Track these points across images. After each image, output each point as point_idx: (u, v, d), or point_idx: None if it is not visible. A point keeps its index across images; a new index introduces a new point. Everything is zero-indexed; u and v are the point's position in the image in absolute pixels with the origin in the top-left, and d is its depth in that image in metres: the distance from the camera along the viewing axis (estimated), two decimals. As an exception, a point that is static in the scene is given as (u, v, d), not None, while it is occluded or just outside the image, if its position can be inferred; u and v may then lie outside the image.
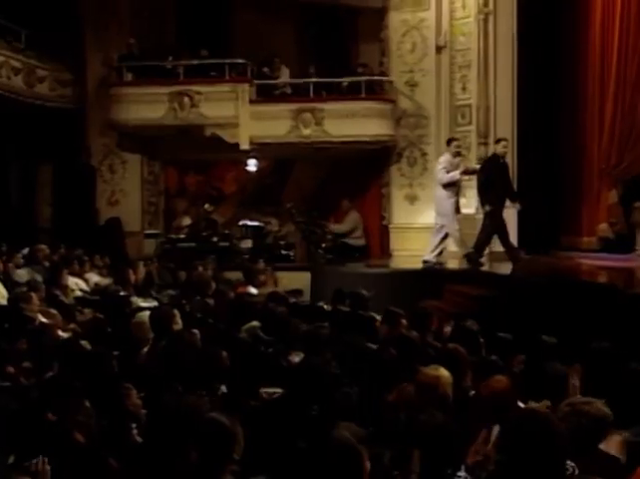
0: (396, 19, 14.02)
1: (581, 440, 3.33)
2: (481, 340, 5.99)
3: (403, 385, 4.04)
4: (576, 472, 3.24)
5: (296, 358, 5.64)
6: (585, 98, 12.97)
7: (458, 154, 10.95)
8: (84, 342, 5.68)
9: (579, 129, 13.11)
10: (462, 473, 3.08)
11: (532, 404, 4.01)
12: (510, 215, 12.60)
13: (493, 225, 10.49)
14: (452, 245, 12.52)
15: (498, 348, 5.63)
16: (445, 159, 10.94)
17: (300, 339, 5.84)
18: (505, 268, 10.99)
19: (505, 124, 12.76)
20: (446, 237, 11.03)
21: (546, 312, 7.69)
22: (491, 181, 10.35)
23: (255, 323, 6.44)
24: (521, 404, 4.40)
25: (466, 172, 10.92)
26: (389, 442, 3.26)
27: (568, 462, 3.25)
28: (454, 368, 4.71)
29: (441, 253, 11.14)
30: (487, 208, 10.33)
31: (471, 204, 12.89)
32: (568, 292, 8.31)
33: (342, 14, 15.01)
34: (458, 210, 10.96)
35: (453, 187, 10.75)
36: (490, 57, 12.85)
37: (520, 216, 12.59)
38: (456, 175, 10.61)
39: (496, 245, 12.49)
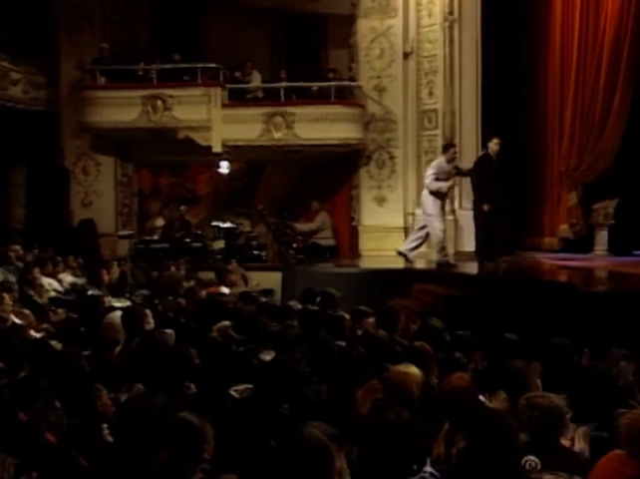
0: (364, 26, 14.05)
1: (539, 433, 3.34)
2: (447, 338, 6.01)
3: (370, 383, 3.99)
4: (539, 467, 3.26)
5: (267, 357, 5.61)
6: (546, 103, 13.08)
7: (453, 159, 10.71)
8: (54, 342, 5.57)
9: (540, 133, 13.23)
10: (427, 468, 3.06)
11: (489, 398, 4.01)
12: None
13: (491, 223, 10.39)
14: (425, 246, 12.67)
15: (462, 346, 5.62)
16: (437, 164, 10.79)
17: (271, 338, 5.80)
18: (471, 268, 11.04)
19: (470, 128, 12.84)
20: (426, 236, 10.97)
21: (510, 311, 7.72)
22: (486, 180, 10.26)
23: (226, 323, 6.37)
24: (483, 399, 4.42)
25: (459, 172, 10.84)
26: (356, 440, 3.22)
27: (532, 457, 3.27)
28: (420, 365, 4.71)
29: (415, 249, 11.07)
30: (486, 207, 10.18)
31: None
32: (531, 291, 8.36)
33: (312, 21, 15.00)
34: (443, 211, 10.88)
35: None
36: (456, 63, 12.93)
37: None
38: (443, 187, 10.49)
39: (464, 246, 12.61)
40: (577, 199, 13.04)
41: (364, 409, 3.79)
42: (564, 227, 13.11)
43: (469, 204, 12.77)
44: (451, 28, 12.93)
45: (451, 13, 12.92)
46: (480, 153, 11.05)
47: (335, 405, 3.82)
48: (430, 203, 10.66)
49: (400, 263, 12.55)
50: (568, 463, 3.24)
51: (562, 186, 13.14)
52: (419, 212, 11.38)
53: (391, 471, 2.97)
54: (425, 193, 10.83)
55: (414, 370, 4.03)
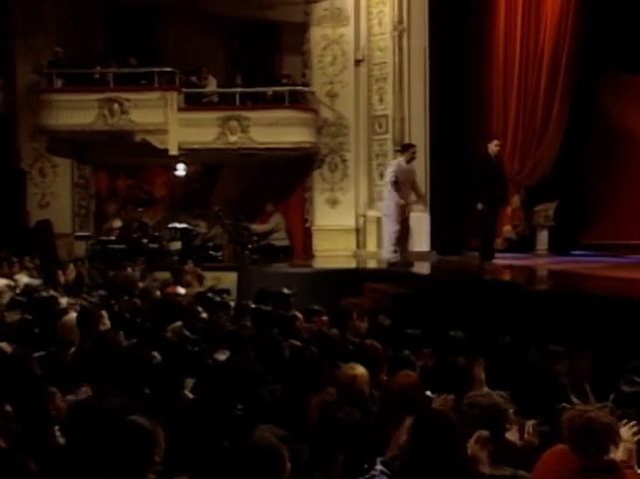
0: (317, 34, 14.01)
1: (485, 428, 3.31)
2: (396, 336, 5.97)
3: (325, 390, 3.88)
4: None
5: (222, 356, 5.50)
6: (490, 110, 13.19)
7: (412, 160, 10.56)
8: (3, 344, 5.36)
9: (485, 138, 13.26)
10: (378, 466, 3.00)
11: (437, 398, 3.96)
12: (422, 218, 12.77)
13: (488, 222, 10.45)
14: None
15: (411, 343, 5.58)
16: (396, 163, 10.72)
17: (225, 338, 5.70)
18: (421, 268, 11.06)
19: (419, 133, 12.88)
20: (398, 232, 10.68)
21: (456, 309, 7.73)
22: (486, 180, 10.17)
23: (180, 323, 6.25)
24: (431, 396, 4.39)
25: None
26: (309, 441, 3.15)
27: (478, 453, 3.23)
28: (371, 364, 4.66)
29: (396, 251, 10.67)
30: (480, 206, 10.08)
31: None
32: (477, 290, 8.39)
33: (266, 28, 14.90)
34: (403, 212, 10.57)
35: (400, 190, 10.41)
36: (405, 70, 12.95)
37: (432, 219, 12.76)
38: (400, 201, 10.31)
39: (413, 246, 12.63)
40: (520, 201, 13.20)
41: (316, 410, 3.70)
42: (508, 228, 13.24)
43: (419, 204, 12.85)
44: (400, 37, 12.95)
45: (400, 22, 12.94)
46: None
47: (289, 405, 3.73)
48: (387, 203, 10.61)
49: (352, 263, 12.60)
50: (514, 458, 3.22)
51: (506, 189, 13.24)
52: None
53: (342, 470, 2.91)
54: (385, 193, 10.72)
55: (361, 370, 3.96)
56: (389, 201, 10.49)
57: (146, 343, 5.38)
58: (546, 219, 12.52)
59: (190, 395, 4.43)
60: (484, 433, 3.08)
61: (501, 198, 10.73)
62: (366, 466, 2.94)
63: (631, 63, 12.16)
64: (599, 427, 2.87)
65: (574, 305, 6.75)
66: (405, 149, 10.91)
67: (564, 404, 3.85)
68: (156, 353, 4.95)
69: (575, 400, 3.94)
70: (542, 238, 12.58)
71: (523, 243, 12.87)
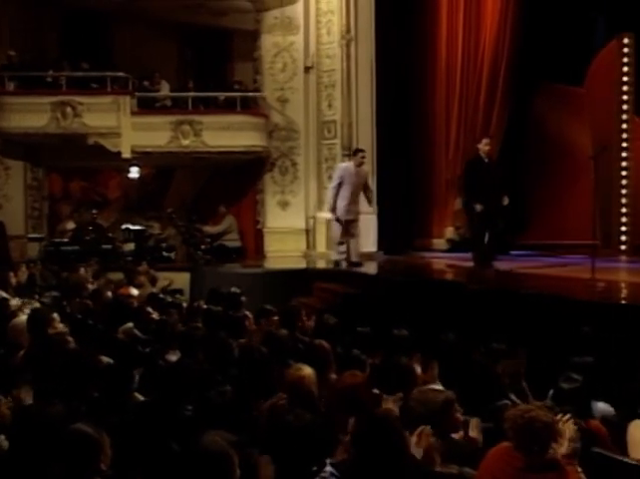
0: (268, 41, 13.88)
1: (431, 426, 3.24)
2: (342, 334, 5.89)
3: (277, 396, 3.75)
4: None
5: (173, 357, 5.34)
6: (434, 117, 13.26)
7: (361, 164, 10.42)
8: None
9: (429, 143, 13.39)
10: (328, 468, 2.90)
11: (386, 398, 3.88)
12: (370, 220, 12.75)
13: (481, 224, 9.77)
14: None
15: (359, 342, 5.50)
16: (344, 166, 10.64)
17: (176, 339, 5.53)
18: (368, 268, 11.03)
19: (366, 138, 12.84)
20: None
21: (403, 308, 7.70)
22: (479, 181, 9.57)
23: (131, 324, 6.05)
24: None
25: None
26: (258, 444, 3.03)
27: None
28: (319, 363, 4.56)
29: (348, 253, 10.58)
30: (479, 207, 9.47)
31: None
32: (422, 289, 8.38)
33: (218, 35, 14.71)
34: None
35: (345, 194, 10.29)
36: (353, 78, 12.90)
37: (379, 220, 12.76)
38: (344, 203, 10.20)
39: (362, 246, 12.61)
40: (462, 204, 13.26)
41: (266, 413, 3.57)
42: (450, 229, 13.33)
43: (366, 207, 12.84)
44: (348, 45, 12.90)
45: (348, 32, 12.89)
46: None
47: (238, 407, 3.60)
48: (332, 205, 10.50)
49: (302, 264, 12.51)
50: (460, 455, 3.15)
51: (449, 192, 13.33)
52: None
53: (291, 473, 2.80)
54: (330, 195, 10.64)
55: (308, 371, 3.84)
56: (333, 203, 10.42)
57: (96, 345, 5.20)
58: (487, 220, 12.58)
59: (140, 397, 4.27)
60: (427, 428, 3.01)
61: (493, 199, 9.56)
62: (315, 468, 2.83)
63: (563, 74, 12.37)
64: (540, 426, 2.83)
65: (514, 304, 6.77)
66: (354, 153, 10.85)
67: (505, 401, 3.82)
68: (103, 356, 4.76)
69: (514, 398, 3.90)
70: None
71: (465, 244, 12.92)
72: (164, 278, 11.49)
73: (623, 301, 7.18)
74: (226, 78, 14.58)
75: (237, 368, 4.62)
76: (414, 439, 2.97)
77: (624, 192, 12.09)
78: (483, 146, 9.66)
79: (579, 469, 2.90)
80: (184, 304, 7.80)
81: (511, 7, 12.55)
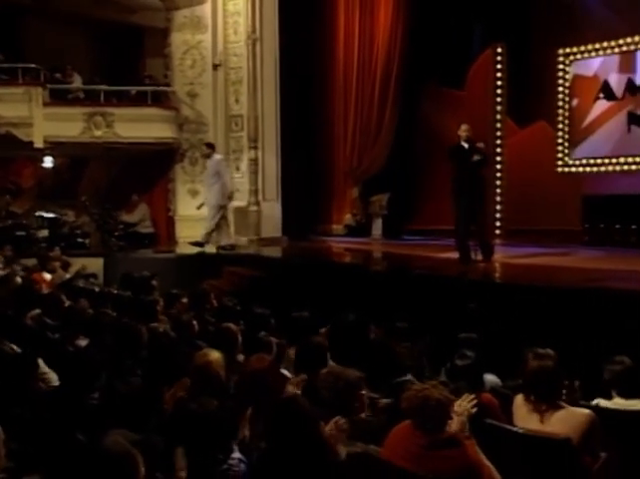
0: (178, 39, 13.27)
1: (335, 407, 3.03)
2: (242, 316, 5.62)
3: (181, 381, 3.40)
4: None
5: (83, 343, 4.90)
6: (333, 113, 13.17)
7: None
8: None
9: (329, 137, 13.29)
10: (235, 454, 2.63)
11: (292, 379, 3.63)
12: (274, 207, 12.54)
13: (459, 216, 8.42)
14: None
15: (261, 324, 5.23)
16: (219, 159, 11.02)
17: (85, 324, 5.08)
18: (273, 252, 10.79)
19: (271, 131, 12.60)
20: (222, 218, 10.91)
21: (306, 289, 7.49)
22: (457, 169, 8.49)
23: (39, 311, 5.54)
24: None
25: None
26: (163, 433, 2.71)
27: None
28: (226, 346, 4.27)
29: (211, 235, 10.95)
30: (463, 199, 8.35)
31: (243, 197, 12.65)
32: (323, 271, 8.21)
33: (131, 31, 13.95)
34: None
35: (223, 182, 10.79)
36: (258, 75, 12.55)
37: (283, 207, 12.55)
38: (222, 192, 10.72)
39: (266, 232, 12.38)
40: (358, 193, 13.30)
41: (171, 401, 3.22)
42: (348, 216, 13.34)
43: (271, 195, 12.62)
44: (253, 45, 12.52)
45: (253, 32, 12.51)
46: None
47: (145, 395, 3.24)
48: (209, 195, 10.91)
49: (212, 249, 12.12)
50: (365, 433, 2.95)
51: (346, 182, 13.32)
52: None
53: (198, 462, 2.51)
54: (210, 185, 10.93)
55: (215, 355, 3.53)
56: (214, 192, 10.76)
57: (4, 331, 4.70)
58: (380, 208, 12.66)
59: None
60: (342, 421, 2.80)
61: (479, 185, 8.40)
62: (221, 456, 2.55)
63: (447, 77, 12.57)
64: (433, 404, 2.67)
65: (407, 284, 6.70)
66: (214, 147, 11.29)
67: (404, 378, 3.67)
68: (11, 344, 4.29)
69: (411, 377, 3.73)
70: (377, 224, 12.72)
71: (361, 229, 12.96)
72: (77, 265, 10.84)
73: (500, 281, 7.27)
74: (138, 73, 13.87)
75: (146, 352, 4.27)
76: (327, 428, 2.73)
77: (498, 183, 12.40)
78: (462, 132, 8.52)
79: (474, 442, 2.77)
80: (97, 289, 7.28)
81: (402, 15, 12.63)
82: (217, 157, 11.21)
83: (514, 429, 3.12)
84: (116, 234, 13.05)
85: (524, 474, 2.95)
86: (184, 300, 6.38)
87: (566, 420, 3.06)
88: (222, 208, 10.94)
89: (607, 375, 3.56)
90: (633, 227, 11.34)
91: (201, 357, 3.46)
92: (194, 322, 5.07)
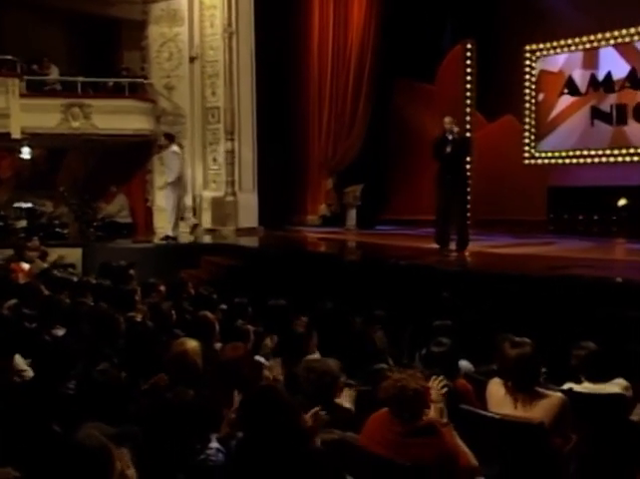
0: (155, 32, 12.98)
1: (314, 395, 2.94)
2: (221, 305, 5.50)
3: (158, 376, 3.26)
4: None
5: (60, 332, 4.74)
6: (307, 106, 13.02)
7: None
8: None
9: (304, 129, 13.15)
10: (213, 444, 2.52)
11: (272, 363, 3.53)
12: (251, 197, 12.38)
13: (439, 206, 8.24)
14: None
15: (238, 312, 5.11)
16: (176, 150, 11.05)
17: (62, 314, 4.91)
18: (250, 241, 10.65)
19: (247, 123, 12.40)
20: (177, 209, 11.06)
21: (282, 277, 7.38)
22: (440, 161, 8.13)
23: (15, 300, 5.35)
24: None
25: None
26: (141, 424, 2.59)
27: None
28: (204, 334, 4.16)
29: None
30: (448, 178, 8.07)
31: (220, 187, 12.50)
32: (299, 261, 8.10)
33: (108, 24, 13.59)
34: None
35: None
36: (234, 68, 12.31)
37: (260, 198, 12.40)
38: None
39: (243, 222, 12.23)
40: (332, 184, 13.19)
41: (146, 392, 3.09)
42: (323, 206, 13.23)
43: (248, 186, 12.47)
44: (230, 38, 12.27)
45: (229, 26, 12.26)
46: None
47: (122, 384, 3.11)
48: (172, 187, 10.92)
49: (190, 239, 11.95)
50: (342, 420, 2.87)
51: (321, 173, 13.20)
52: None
53: (174, 453, 2.40)
54: (171, 179, 10.98)
55: (192, 344, 3.39)
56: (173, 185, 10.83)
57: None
58: (354, 199, 12.57)
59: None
60: (321, 412, 2.71)
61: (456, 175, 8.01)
62: (199, 446, 2.44)
63: (419, 72, 12.48)
64: (410, 394, 2.60)
65: (382, 273, 6.63)
66: (173, 138, 11.29)
67: (382, 365, 3.59)
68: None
69: (391, 362, 3.67)
70: (351, 214, 12.64)
71: (336, 219, 12.87)
72: (56, 255, 10.59)
73: (473, 270, 7.24)
74: (115, 65, 13.53)
75: (124, 341, 4.13)
76: (306, 418, 2.64)
77: (468, 174, 12.36)
78: (446, 123, 8.24)
79: (452, 428, 2.71)
80: (75, 279, 7.08)
81: (375, 10, 12.51)
82: (173, 148, 11.14)
83: (489, 415, 3.06)
84: (94, 224, 12.77)
85: (499, 459, 2.90)
86: (162, 288, 6.24)
87: (540, 405, 3.02)
88: (178, 198, 11.05)
89: (574, 360, 3.54)
90: (595, 217, 11.47)
91: (178, 346, 3.34)
92: (172, 311, 4.94)
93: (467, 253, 8.11)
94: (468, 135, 8.12)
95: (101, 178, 13.64)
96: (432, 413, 2.75)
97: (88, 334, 4.23)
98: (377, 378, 3.30)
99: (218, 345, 4.33)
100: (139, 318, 4.84)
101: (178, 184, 11.01)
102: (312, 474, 2.39)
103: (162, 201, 11.71)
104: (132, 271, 7.42)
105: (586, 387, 3.46)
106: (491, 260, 7.79)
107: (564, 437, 3.04)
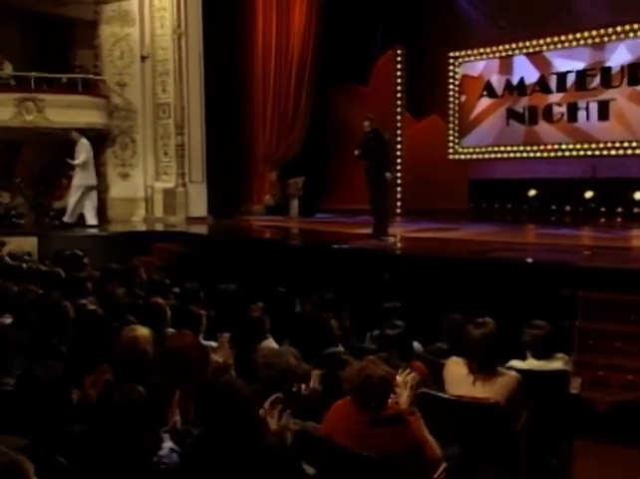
0: (107, 31, 12.06)
1: (273, 387, 2.51)
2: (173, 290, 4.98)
3: (100, 367, 2.73)
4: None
5: (7, 321, 4.12)
6: (252, 102, 12.50)
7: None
8: None
9: (250, 125, 12.63)
10: (167, 444, 2.06)
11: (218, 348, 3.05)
12: (200, 188, 11.80)
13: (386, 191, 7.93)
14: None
15: (190, 297, 4.61)
16: (87, 142, 10.64)
17: (9, 302, 4.28)
18: (200, 229, 10.07)
19: (196, 119, 11.74)
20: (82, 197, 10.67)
21: (231, 263, 6.90)
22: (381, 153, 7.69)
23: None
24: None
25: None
26: (88, 423, 2.10)
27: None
28: (155, 320, 3.66)
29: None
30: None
31: (171, 179, 11.85)
32: (247, 247, 7.63)
33: (61, 23, 12.56)
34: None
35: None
36: (184, 66, 11.60)
37: (208, 188, 11.85)
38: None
39: (193, 212, 11.66)
40: (276, 176, 12.76)
41: (93, 388, 2.57)
42: (268, 196, 12.80)
43: (197, 177, 11.88)
44: (179, 38, 11.55)
45: (179, 26, 11.53)
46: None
47: (67, 381, 2.58)
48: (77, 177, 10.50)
49: (143, 227, 11.29)
50: (301, 409, 2.46)
51: (266, 166, 12.72)
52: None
53: (124, 454, 1.93)
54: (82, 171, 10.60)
55: (142, 331, 2.89)
56: (79, 173, 10.54)
57: None
58: (297, 189, 12.16)
59: None
60: (279, 397, 2.28)
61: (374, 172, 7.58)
62: (150, 448, 1.98)
63: (354, 74, 12.19)
64: (376, 382, 2.21)
65: (326, 257, 6.25)
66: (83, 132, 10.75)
67: (335, 349, 3.20)
68: None
69: (341, 348, 3.26)
70: (294, 204, 12.21)
71: (279, 209, 12.46)
72: (12, 244, 9.68)
73: (409, 253, 6.97)
74: (68, 63, 12.52)
75: (72, 330, 3.57)
76: (266, 406, 2.21)
77: (398, 168, 12.22)
78: (365, 127, 7.77)
79: (419, 417, 2.34)
80: (25, 267, 6.35)
81: (314, 17, 12.12)
82: (84, 141, 10.57)
83: (447, 396, 2.73)
84: (50, 214, 11.84)
85: (457, 439, 2.57)
86: (115, 267, 5.66)
87: (498, 383, 2.72)
88: (91, 188, 10.69)
89: (526, 337, 3.25)
90: (509, 206, 11.53)
91: (128, 333, 2.84)
92: (125, 297, 4.39)
93: (398, 238, 7.85)
94: (386, 136, 7.97)
95: (56, 170, 12.69)
96: (402, 402, 2.37)
97: (34, 323, 3.65)
98: (331, 362, 2.91)
99: (170, 331, 3.84)
100: (91, 306, 4.27)
101: (87, 172, 10.60)
102: (269, 469, 1.98)
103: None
104: (85, 260, 6.76)
105: (531, 364, 3.19)
106: (424, 244, 7.55)
107: (517, 415, 2.75)
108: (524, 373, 3.01)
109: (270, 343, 3.33)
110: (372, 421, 2.20)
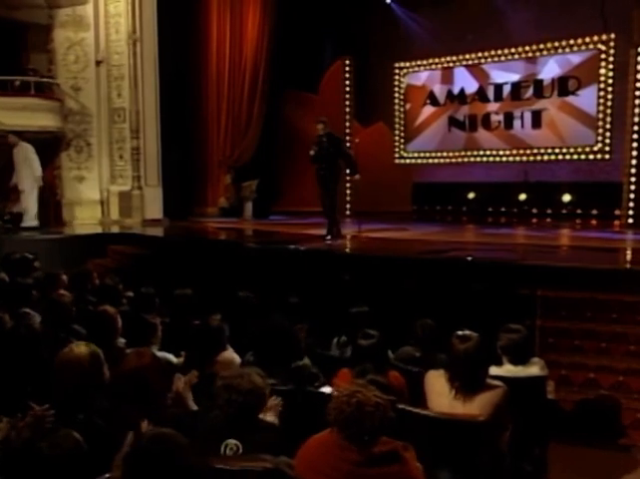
0: (61, 35, 11.08)
1: (237, 415, 1.99)
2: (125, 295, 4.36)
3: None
4: (240, 450, 1.91)
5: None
6: (207, 107, 11.86)
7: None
8: None
9: (204, 130, 11.97)
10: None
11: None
12: (156, 191, 11.08)
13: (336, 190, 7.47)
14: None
15: (145, 303, 4.01)
16: (29, 145, 9.75)
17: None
18: (156, 231, 9.34)
19: (151, 123, 10.97)
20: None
21: (187, 265, 6.28)
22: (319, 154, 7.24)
23: None
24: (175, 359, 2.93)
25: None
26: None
27: (232, 441, 1.90)
28: (104, 332, 3.06)
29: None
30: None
31: (127, 182, 11.03)
32: (203, 249, 7.01)
33: (14, 27, 11.45)
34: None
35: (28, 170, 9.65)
36: (139, 72, 10.79)
37: (164, 191, 11.13)
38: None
39: (148, 214, 10.94)
40: (231, 179, 12.14)
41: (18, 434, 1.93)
42: (222, 199, 12.17)
43: (153, 181, 11.13)
44: (134, 44, 10.74)
45: (134, 32, 10.72)
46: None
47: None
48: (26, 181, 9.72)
49: (98, 229, 10.44)
50: (269, 442, 1.94)
51: (220, 169, 12.08)
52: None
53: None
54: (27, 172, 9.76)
55: (81, 349, 2.25)
56: (25, 177, 9.74)
57: None
58: (251, 192, 11.64)
59: None
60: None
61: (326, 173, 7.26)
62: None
63: (304, 83, 11.71)
64: (371, 411, 1.70)
65: (283, 256, 5.74)
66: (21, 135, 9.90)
67: (302, 362, 2.71)
68: None
69: (307, 361, 2.75)
70: (248, 206, 11.69)
71: (234, 211, 11.87)
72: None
73: (362, 252, 6.54)
74: (21, 66, 11.44)
75: (8, 341, 2.93)
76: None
77: (347, 171, 11.83)
78: (319, 130, 7.44)
79: (414, 453, 1.87)
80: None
81: (267, 26, 11.53)
82: (24, 144, 9.73)
83: (428, 413, 2.29)
84: (6, 217, 10.76)
85: (444, 461, 2.14)
86: (64, 277, 4.95)
87: (484, 397, 2.31)
88: (35, 189, 9.85)
89: (503, 342, 2.86)
90: (449, 208, 11.38)
91: (66, 354, 2.24)
92: (72, 306, 3.74)
93: (352, 239, 7.45)
94: (338, 137, 7.56)
95: (10, 173, 11.59)
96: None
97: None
98: (297, 376, 2.41)
99: (121, 341, 3.25)
100: (33, 315, 3.60)
101: (32, 171, 9.78)
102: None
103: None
104: (36, 263, 5.99)
105: (509, 370, 2.80)
106: (379, 244, 7.17)
107: (504, 429, 2.35)
108: (503, 381, 2.62)
109: (230, 355, 2.80)
110: (364, 460, 1.69)
